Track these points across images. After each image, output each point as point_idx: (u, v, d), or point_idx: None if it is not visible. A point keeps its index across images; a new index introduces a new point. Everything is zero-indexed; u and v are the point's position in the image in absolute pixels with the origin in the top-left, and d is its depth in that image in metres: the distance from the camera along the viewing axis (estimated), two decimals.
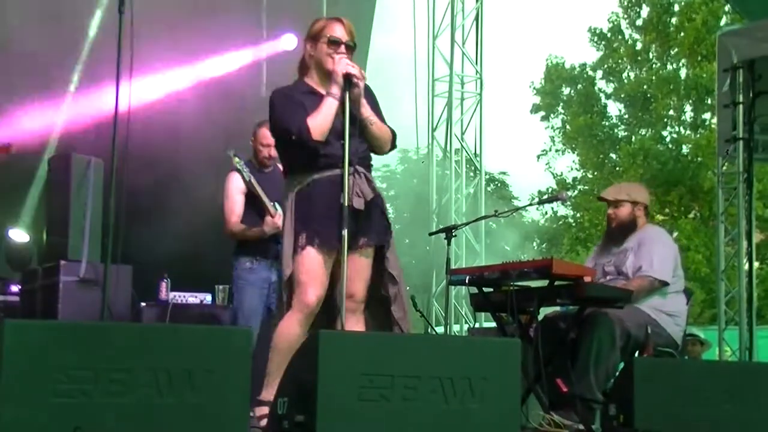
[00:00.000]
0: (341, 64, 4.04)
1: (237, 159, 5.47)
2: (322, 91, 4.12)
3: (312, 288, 4.02)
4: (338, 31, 4.14)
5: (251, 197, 5.48)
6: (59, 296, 6.09)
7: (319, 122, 4.02)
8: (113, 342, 2.85)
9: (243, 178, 5.46)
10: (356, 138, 4.06)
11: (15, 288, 7.33)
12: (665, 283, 5.05)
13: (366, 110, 4.09)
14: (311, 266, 4.03)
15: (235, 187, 5.51)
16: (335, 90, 4.04)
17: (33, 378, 2.71)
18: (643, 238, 5.15)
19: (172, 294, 6.63)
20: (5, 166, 6.47)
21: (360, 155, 4.11)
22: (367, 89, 4.23)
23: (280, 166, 5.62)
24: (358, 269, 4.08)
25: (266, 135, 5.37)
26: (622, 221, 5.23)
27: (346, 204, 3.95)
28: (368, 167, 4.17)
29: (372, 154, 4.24)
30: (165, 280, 6.68)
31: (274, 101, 4.16)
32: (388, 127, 4.23)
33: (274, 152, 5.32)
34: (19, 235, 8.10)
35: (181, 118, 8.54)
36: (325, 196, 4.03)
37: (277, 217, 5.32)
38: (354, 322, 4.07)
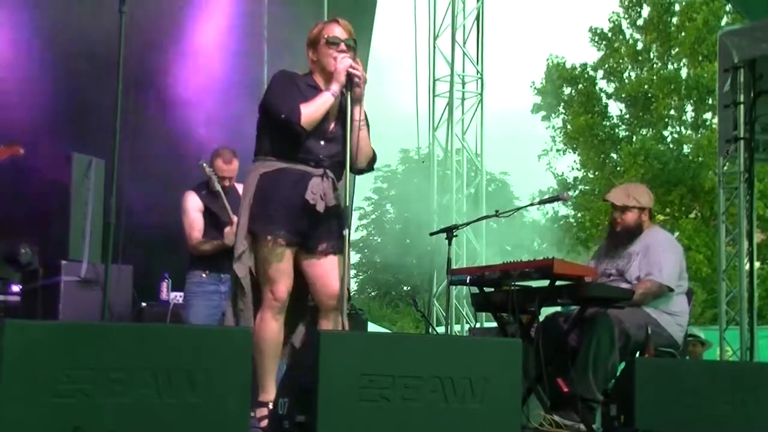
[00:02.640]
0: (344, 62, 4.03)
1: (209, 169, 5.67)
2: None
3: (281, 282, 4.04)
4: (336, 31, 4.13)
5: (208, 214, 5.69)
6: (60, 296, 6.10)
7: (311, 111, 4.01)
8: (113, 342, 2.85)
9: (201, 195, 5.68)
10: (338, 141, 4.06)
11: (16, 288, 7.34)
12: (671, 289, 5.03)
13: (360, 114, 4.07)
14: (275, 261, 4.03)
15: (193, 206, 5.70)
16: (335, 87, 4.03)
17: (33, 378, 2.71)
18: (650, 243, 5.08)
19: (173, 294, 6.63)
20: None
21: (334, 159, 4.08)
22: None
23: (238, 186, 5.70)
24: (329, 269, 4.09)
25: (221, 167, 5.66)
26: (628, 226, 5.17)
27: (347, 203, 3.95)
28: (338, 175, 4.09)
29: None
30: (166, 281, 6.68)
31: (275, 78, 4.16)
32: (372, 148, 4.20)
33: (228, 182, 5.66)
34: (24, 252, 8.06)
35: (182, 117, 8.54)
36: (288, 188, 4.03)
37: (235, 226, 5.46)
38: (338, 321, 4.08)
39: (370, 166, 4.24)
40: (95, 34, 6.82)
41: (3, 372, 2.67)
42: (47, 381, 2.71)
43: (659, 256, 5.02)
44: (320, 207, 4.00)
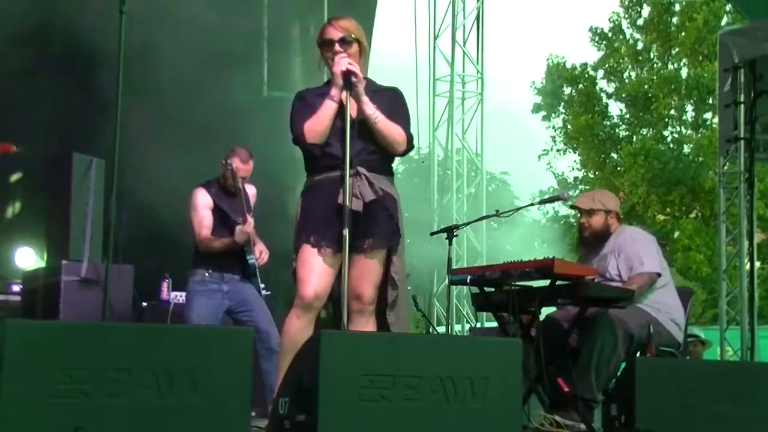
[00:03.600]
0: (340, 63, 4.03)
1: (233, 167, 5.61)
2: None
3: (309, 282, 4.02)
4: (329, 32, 4.13)
5: (217, 212, 5.65)
6: (60, 296, 6.10)
7: (313, 125, 4.02)
8: (114, 342, 2.85)
9: (211, 192, 5.64)
10: (357, 138, 4.02)
11: (16, 288, 7.34)
12: (659, 274, 5.08)
13: (369, 108, 4.04)
14: (308, 262, 4.02)
15: (203, 203, 5.64)
16: (334, 91, 4.03)
17: (33, 378, 2.71)
18: (621, 242, 5.17)
19: (173, 294, 6.63)
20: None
21: (362, 156, 4.05)
22: (397, 95, 4.23)
23: (248, 188, 5.73)
24: (365, 270, 4.04)
25: (239, 166, 5.59)
26: (595, 230, 5.28)
27: (347, 204, 3.94)
28: (374, 168, 4.07)
29: (389, 156, 4.16)
30: (166, 280, 6.68)
31: (292, 103, 4.20)
32: (403, 129, 4.13)
33: (241, 182, 5.59)
34: (25, 257, 8.06)
35: (182, 115, 8.52)
36: (324, 197, 4.03)
37: (247, 225, 5.48)
38: (363, 324, 4.06)
39: (409, 147, 4.19)
40: (95, 34, 6.82)
41: (3, 372, 2.67)
42: (47, 381, 2.71)
43: (635, 250, 5.09)
44: (357, 206, 3.98)
